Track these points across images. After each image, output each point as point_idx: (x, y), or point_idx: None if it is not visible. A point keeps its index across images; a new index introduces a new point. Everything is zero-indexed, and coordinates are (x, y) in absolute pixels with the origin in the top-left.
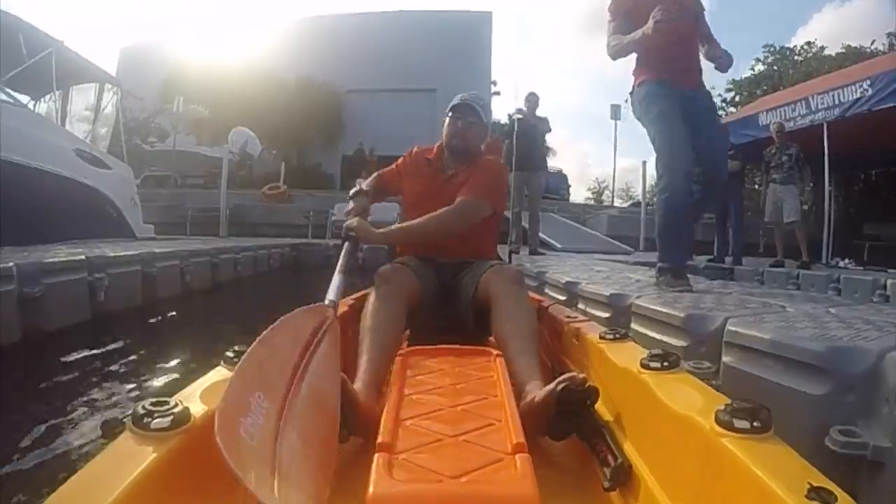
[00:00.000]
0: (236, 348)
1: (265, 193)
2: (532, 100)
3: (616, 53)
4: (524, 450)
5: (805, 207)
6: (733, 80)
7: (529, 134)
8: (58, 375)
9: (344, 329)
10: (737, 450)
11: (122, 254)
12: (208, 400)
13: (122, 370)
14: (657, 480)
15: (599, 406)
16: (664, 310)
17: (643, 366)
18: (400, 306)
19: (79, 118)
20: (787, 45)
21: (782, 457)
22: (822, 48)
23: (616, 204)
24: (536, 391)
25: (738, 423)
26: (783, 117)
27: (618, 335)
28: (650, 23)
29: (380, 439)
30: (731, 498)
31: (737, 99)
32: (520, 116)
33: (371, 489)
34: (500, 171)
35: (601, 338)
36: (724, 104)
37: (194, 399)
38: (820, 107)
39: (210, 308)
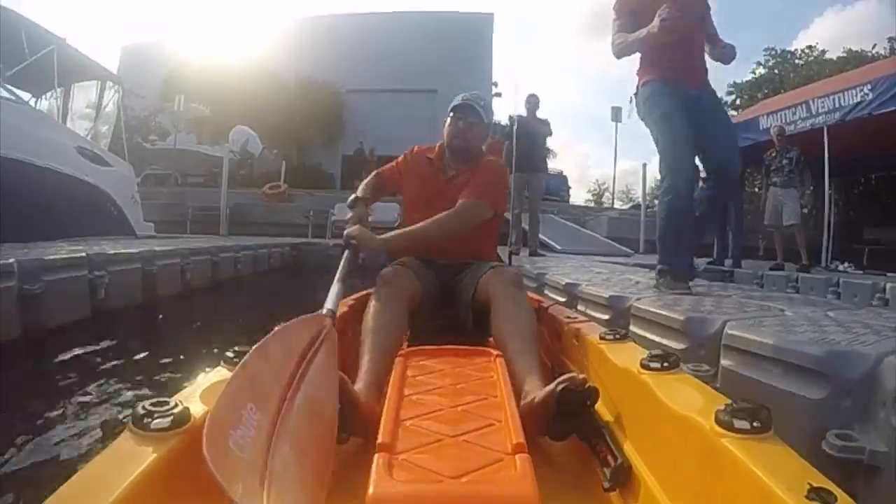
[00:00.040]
0: (236, 348)
1: (265, 193)
2: (532, 101)
3: (620, 52)
4: (524, 450)
5: (805, 211)
6: (734, 82)
7: (530, 136)
8: (58, 373)
9: (344, 329)
10: (737, 450)
11: (122, 251)
12: (208, 400)
13: (122, 368)
14: (657, 481)
15: (599, 406)
16: (663, 312)
17: (643, 366)
18: (401, 308)
19: (80, 116)
20: (788, 49)
21: (782, 457)
22: (824, 52)
23: (616, 206)
24: (536, 391)
25: (738, 424)
26: (784, 121)
27: (618, 335)
28: (656, 21)
29: (380, 439)
30: (731, 498)
31: (737, 102)
32: (521, 115)
33: (371, 489)
34: (501, 172)
35: (601, 338)
36: (724, 107)
37: (194, 399)
38: (820, 110)
39: (210, 306)
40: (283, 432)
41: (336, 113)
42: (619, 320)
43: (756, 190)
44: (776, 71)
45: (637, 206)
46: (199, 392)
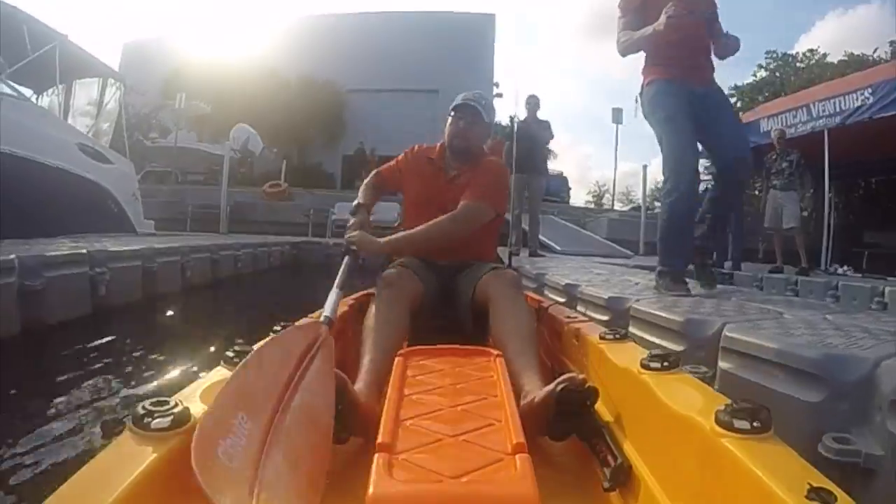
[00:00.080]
0: (237, 348)
1: (266, 191)
2: (532, 102)
3: (626, 49)
4: (524, 450)
5: (805, 214)
6: (735, 85)
7: (530, 137)
8: (58, 370)
9: (343, 330)
10: (737, 450)
11: (123, 248)
12: (208, 400)
13: (122, 366)
14: (657, 481)
15: (599, 406)
16: (662, 314)
17: (643, 366)
18: (403, 309)
19: (81, 112)
20: (789, 52)
21: (782, 457)
22: (825, 55)
23: (616, 208)
24: (536, 391)
25: (738, 424)
26: (784, 124)
27: (618, 335)
28: (662, 18)
29: (380, 439)
30: (730, 498)
31: (738, 105)
32: (521, 119)
33: (371, 489)
34: (503, 172)
35: (601, 338)
36: (731, 104)
37: (194, 399)
38: (821, 114)
39: (210, 304)
40: (276, 441)
41: (337, 112)
42: (619, 321)
43: (756, 193)
44: (777, 74)
45: (637, 208)
46: (199, 392)
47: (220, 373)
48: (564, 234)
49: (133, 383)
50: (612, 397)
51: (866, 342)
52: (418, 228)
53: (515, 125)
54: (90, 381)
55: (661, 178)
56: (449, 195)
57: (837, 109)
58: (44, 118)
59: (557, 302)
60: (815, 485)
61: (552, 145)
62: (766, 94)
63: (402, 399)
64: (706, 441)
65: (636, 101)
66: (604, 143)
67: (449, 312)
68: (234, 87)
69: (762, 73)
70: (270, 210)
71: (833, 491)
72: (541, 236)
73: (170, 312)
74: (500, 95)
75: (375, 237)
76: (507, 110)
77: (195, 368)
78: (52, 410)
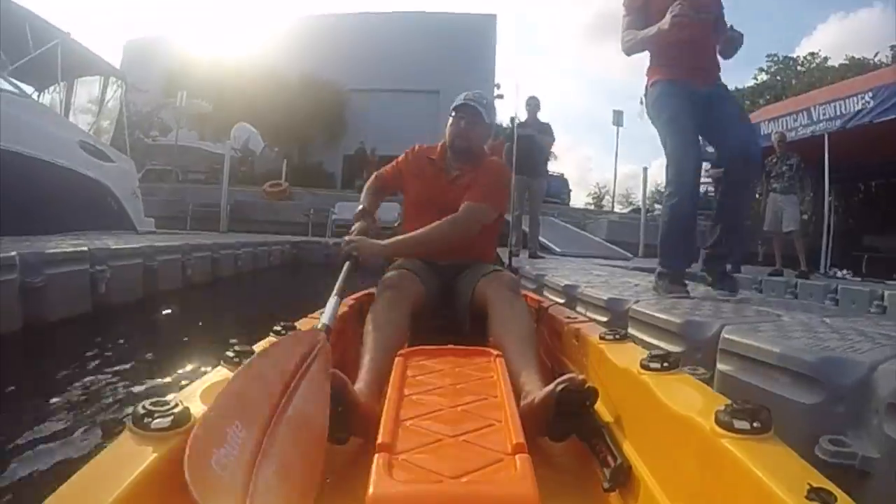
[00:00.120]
0: (237, 348)
1: (266, 190)
2: (532, 104)
3: (630, 49)
4: (524, 450)
5: (805, 217)
6: (736, 88)
7: (530, 138)
8: (58, 368)
9: (343, 329)
10: (737, 450)
11: (124, 246)
12: (208, 400)
13: (122, 364)
14: (657, 481)
15: (599, 407)
16: (661, 315)
17: (643, 366)
18: (404, 311)
19: (82, 110)
20: (790, 55)
21: (782, 457)
22: (826, 59)
23: (616, 210)
24: (536, 392)
25: (738, 424)
26: (785, 127)
27: (618, 336)
28: (667, 17)
29: (380, 439)
30: (730, 499)
31: None
32: (521, 120)
33: (371, 489)
34: (504, 172)
35: (601, 338)
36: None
37: (194, 399)
38: (822, 117)
39: (210, 303)
40: (270, 451)
41: (338, 112)
42: (618, 322)
43: (756, 196)
44: (778, 77)
45: (637, 210)
46: (199, 392)
47: (220, 373)
48: (564, 236)
49: (133, 382)
50: (611, 398)
51: (863, 345)
52: (420, 231)
53: (515, 126)
54: (90, 380)
55: (661, 180)
56: (450, 195)
57: (838, 113)
58: (45, 115)
59: (557, 303)
60: (814, 485)
61: (553, 147)
62: (767, 98)
63: (402, 399)
64: (706, 441)
65: (641, 102)
66: (604, 144)
67: (449, 312)
68: (235, 85)
69: (763, 77)
70: (271, 209)
71: (833, 491)
72: (541, 238)
73: (170, 311)
74: (500, 97)
75: (379, 238)
76: (508, 112)
77: (196, 367)
78: (52, 409)
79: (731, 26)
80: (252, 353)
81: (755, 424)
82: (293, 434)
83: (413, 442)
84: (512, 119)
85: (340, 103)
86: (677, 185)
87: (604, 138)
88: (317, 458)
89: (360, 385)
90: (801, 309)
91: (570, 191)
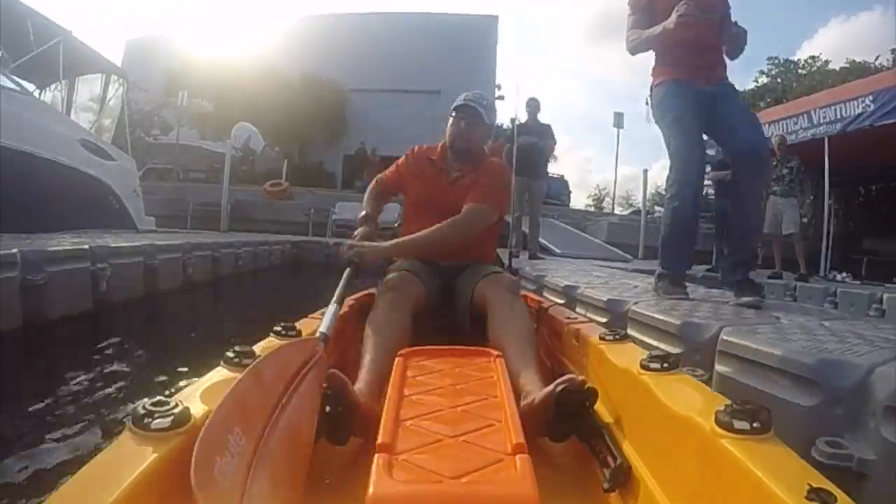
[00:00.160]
0: (237, 349)
1: (266, 190)
2: (532, 105)
3: (634, 48)
4: (524, 450)
5: (804, 220)
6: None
7: (533, 145)
8: (58, 366)
9: (343, 329)
10: (736, 451)
11: (124, 244)
12: (208, 400)
13: (122, 363)
14: (657, 481)
15: (599, 407)
16: (660, 316)
17: (643, 367)
18: (405, 312)
19: (84, 108)
20: (791, 58)
21: (782, 458)
22: (827, 62)
23: (616, 211)
24: (536, 392)
25: (738, 424)
26: (785, 130)
27: (617, 336)
28: (673, 17)
29: (380, 440)
30: (730, 499)
31: None
32: (520, 122)
33: (371, 489)
34: (504, 173)
35: (601, 339)
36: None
37: (194, 399)
38: (822, 121)
39: (211, 301)
40: (262, 458)
41: (339, 112)
42: (617, 323)
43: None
44: (779, 80)
45: (637, 212)
46: (199, 392)
47: (221, 373)
48: (564, 237)
49: (133, 380)
50: (611, 398)
51: (861, 348)
52: (423, 232)
53: (516, 128)
54: (90, 378)
55: (661, 182)
56: (451, 196)
57: (838, 116)
58: (46, 113)
59: (557, 303)
60: (814, 485)
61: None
62: (768, 101)
63: (402, 399)
64: (706, 442)
65: (647, 103)
66: (604, 146)
67: (449, 313)
68: (235, 85)
69: (763, 80)
70: (271, 209)
71: (833, 492)
72: (541, 239)
73: (171, 309)
74: (501, 98)
75: (379, 239)
76: (508, 113)
77: (196, 366)
78: (52, 408)
79: (736, 22)
80: (252, 353)
81: (755, 425)
82: (282, 443)
83: (413, 442)
84: (512, 120)
85: (341, 103)
86: (680, 187)
87: (604, 140)
88: (302, 467)
89: (360, 385)
90: (799, 312)
91: (570, 192)
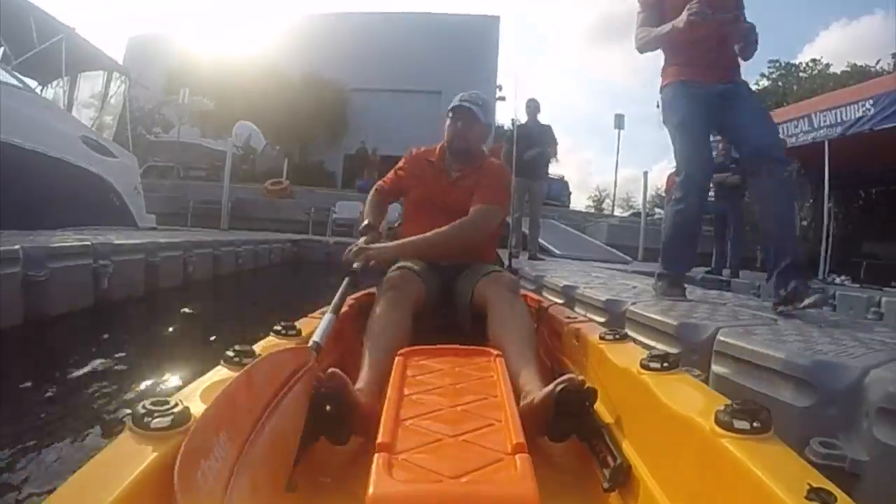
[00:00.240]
0: (237, 348)
1: (267, 188)
2: (532, 106)
3: (643, 46)
4: (524, 450)
5: (804, 223)
6: None
7: (531, 140)
8: (58, 364)
9: (343, 329)
10: (736, 450)
11: (126, 242)
12: (208, 400)
13: (122, 361)
14: (657, 481)
15: (599, 407)
16: (658, 317)
17: (643, 366)
18: (406, 311)
19: (85, 105)
20: (792, 62)
21: (782, 457)
22: (828, 65)
23: (616, 213)
24: (536, 392)
25: (738, 424)
26: (785, 133)
27: (618, 336)
28: (683, 15)
29: (380, 439)
30: (730, 499)
31: None
32: (520, 123)
33: (371, 489)
34: (505, 174)
35: (601, 338)
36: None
37: (194, 399)
38: (822, 124)
39: (211, 300)
40: (244, 465)
41: (339, 111)
42: (615, 323)
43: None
44: (780, 83)
45: (637, 214)
46: (199, 392)
47: (221, 373)
48: (564, 239)
49: (133, 378)
50: (611, 397)
51: (856, 350)
52: (432, 233)
53: (515, 128)
54: (90, 377)
55: (662, 184)
56: (451, 197)
57: (839, 120)
58: (48, 110)
59: (556, 303)
60: (814, 485)
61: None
62: (769, 104)
63: (402, 399)
64: (706, 441)
65: (657, 106)
66: (605, 148)
67: (449, 312)
68: (236, 83)
69: (765, 83)
70: (272, 207)
71: (833, 491)
72: (540, 240)
73: (171, 307)
74: (502, 98)
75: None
76: (509, 114)
77: (196, 365)
78: (52, 406)
79: (742, 17)
80: (252, 352)
81: (755, 424)
82: (266, 449)
83: (413, 442)
84: (513, 121)
85: (342, 102)
86: (685, 190)
87: (605, 141)
88: (284, 474)
89: (360, 385)
90: (797, 314)
91: (570, 193)
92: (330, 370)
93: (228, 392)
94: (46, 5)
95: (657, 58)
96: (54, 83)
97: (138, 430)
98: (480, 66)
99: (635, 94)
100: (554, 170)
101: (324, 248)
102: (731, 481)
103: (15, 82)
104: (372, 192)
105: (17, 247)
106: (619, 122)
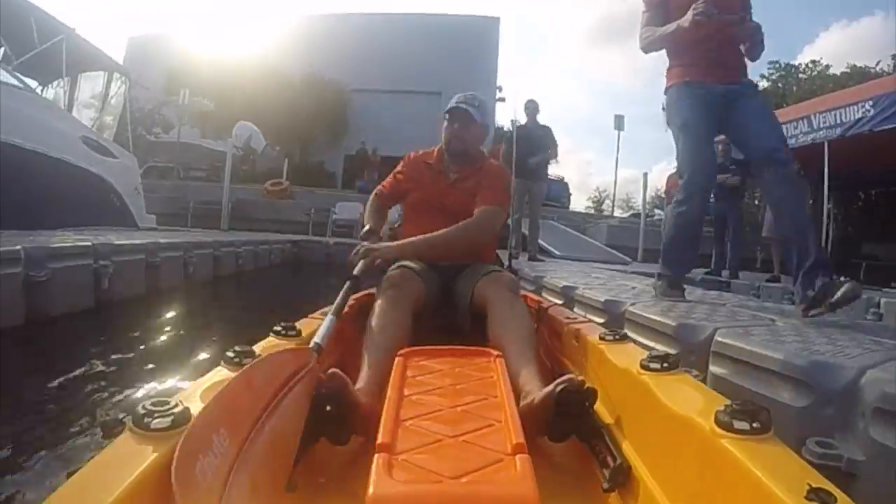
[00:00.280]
0: (237, 348)
1: (267, 189)
2: (531, 107)
3: (648, 46)
4: (524, 450)
5: None
6: None
7: (530, 141)
8: (58, 364)
9: (344, 329)
10: (736, 451)
11: (126, 242)
12: (208, 400)
13: (123, 360)
14: (656, 481)
15: (599, 407)
16: (656, 318)
17: (643, 367)
18: (406, 311)
19: (86, 105)
20: (792, 63)
21: (782, 458)
22: (828, 66)
23: (616, 214)
24: (535, 392)
25: (738, 424)
26: (785, 134)
27: (617, 336)
28: (689, 15)
29: (380, 439)
30: (730, 499)
31: None
32: (520, 123)
33: (371, 489)
34: (505, 174)
35: (601, 339)
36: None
37: (194, 399)
38: (822, 125)
39: (211, 300)
40: (244, 461)
41: (340, 112)
42: (614, 324)
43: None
44: (780, 84)
45: (637, 215)
46: (199, 392)
47: (221, 373)
48: (564, 239)
49: (134, 379)
50: (611, 398)
51: (853, 351)
52: (437, 233)
53: (515, 129)
54: (90, 377)
55: (661, 185)
56: (450, 198)
57: (838, 121)
58: (49, 110)
59: (556, 303)
60: (814, 485)
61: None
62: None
63: (402, 399)
64: (706, 442)
65: (663, 109)
66: (605, 149)
67: (449, 312)
68: (237, 84)
69: (764, 84)
70: (272, 208)
71: (833, 492)
72: (540, 241)
73: (171, 307)
74: (502, 99)
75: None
76: (509, 115)
77: (196, 365)
78: (52, 406)
79: (749, 17)
80: (252, 353)
81: (755, 425)
82: (266, 448)
83: (413, 442)
84: (512, 122)
85: (342, 103)
86: (688, 192)
87: (605, 142)
88: (283, 473)
89: (360, 385)
90: (795, 314)
91: (570, 194)
92: (330, 371)
93: (227, 390)
94: (47, 5)
95: (658, 59)
96: (55, 83)
97: (138, 431)
98: (480, 67)
99: (635, 94)
100: (554, 171)
101: (324, 249)
102: (731, 482)
103: (15, 82)
104: (371, 197)
105: (18, 247)
106: (619, 122)
